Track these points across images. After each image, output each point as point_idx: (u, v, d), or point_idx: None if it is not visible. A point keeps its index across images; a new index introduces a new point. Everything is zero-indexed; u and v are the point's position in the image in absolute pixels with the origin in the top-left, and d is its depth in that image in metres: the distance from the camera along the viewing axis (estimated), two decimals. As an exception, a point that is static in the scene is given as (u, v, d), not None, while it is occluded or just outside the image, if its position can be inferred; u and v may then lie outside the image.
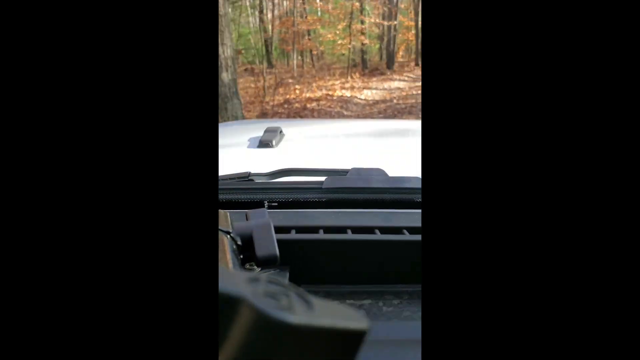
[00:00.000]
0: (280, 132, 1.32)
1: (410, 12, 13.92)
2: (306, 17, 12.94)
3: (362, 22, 12.82)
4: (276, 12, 12.22)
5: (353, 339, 0.22)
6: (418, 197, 0.76)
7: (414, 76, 11.50)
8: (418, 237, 0.61)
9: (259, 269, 0.53)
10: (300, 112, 8.19)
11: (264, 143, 1.20)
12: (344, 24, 12.34)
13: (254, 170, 0.88)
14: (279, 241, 0.53)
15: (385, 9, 13.11)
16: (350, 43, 11.89)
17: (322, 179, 0.79)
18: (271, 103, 8.63)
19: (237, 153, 1.23)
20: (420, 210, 0.73)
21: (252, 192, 0.76)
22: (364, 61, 12.99)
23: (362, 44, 12.49)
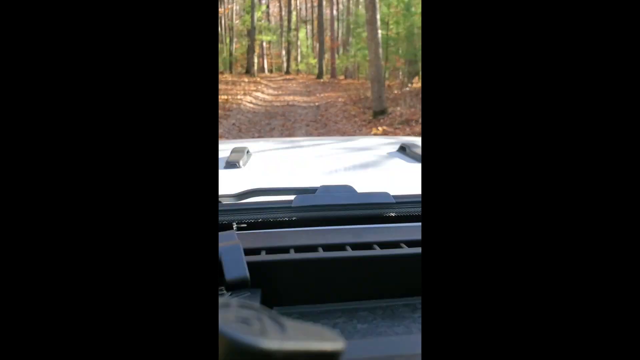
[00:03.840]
0: (247, 152, 1.29)
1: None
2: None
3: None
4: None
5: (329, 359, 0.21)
6: (387, 212, 0.76)
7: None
8: (389, 252, 0.61)
9: (230, 294, 0.51)
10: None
11: (230, 164, 1.17)
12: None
13: (221, 191, 0.86)
14: (249, 263, 0.51)
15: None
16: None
17: (291, 197, 0.78)
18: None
19: None
20: (390, 225, 0.73)
21: (220, 214, 0.74)
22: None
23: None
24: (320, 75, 20.87)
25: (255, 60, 20.11)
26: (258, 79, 18.47)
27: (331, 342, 0.22)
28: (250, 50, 20.74)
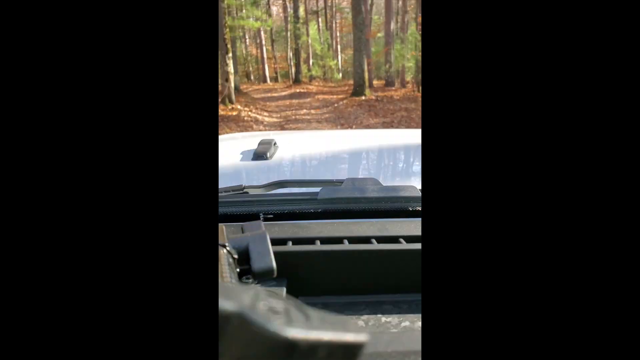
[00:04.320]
0: (275, 144, 1.55)
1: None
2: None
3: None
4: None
5: (351, 351, 0.26)
6: (413, 206, 0.93)
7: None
8: (415, 246, 0.75)
9: (256, 282, 0.64)
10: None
11: (258, 155, 1.41)
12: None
13: (248, 182, 1.04)
14: (276, 253, 0.65)
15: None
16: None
17: (317, 189, 0.97)
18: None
19: (232, 166, 1.43)
20: (416, 219, 0.89)
21: (247, 205, 0.92)
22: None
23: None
24: (360, 89, 13.71)
25: (231, 69, 11.60)
26: (237, 106, 11.73)
27: (355, 334, 0.26)
28: (220, 46, 11.56)
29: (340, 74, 27.18)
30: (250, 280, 0.62)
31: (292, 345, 0.23)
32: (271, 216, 0.90)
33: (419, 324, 0.67)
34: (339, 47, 29.74)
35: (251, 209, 0.90)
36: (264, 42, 26.51)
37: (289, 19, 25.83)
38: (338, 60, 28.63)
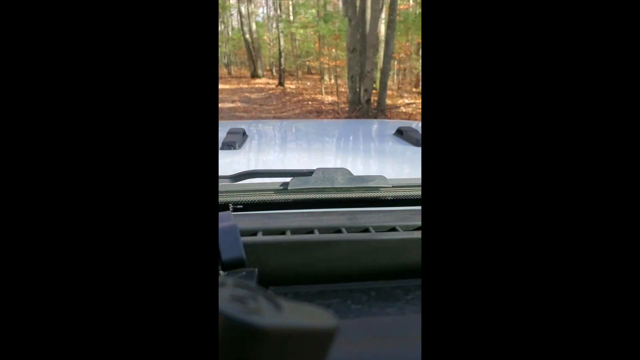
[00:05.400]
0: (244, 133, 1.63)
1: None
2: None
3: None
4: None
5: (323, 339, 0.28)
6: (382, 195, 1.04)
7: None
8: (384, 235, 0.84)
9: (226, 273, 0.70)
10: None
11: (227, 145, 1.48)
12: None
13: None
14: (246, 244, 0.70)
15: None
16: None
17: (288, 180, 1.05)
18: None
19: None
20: (385, 208, 1.01)
21: None
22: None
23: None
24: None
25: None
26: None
27: (325, 322, 0.28)
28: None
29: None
30: (220, 272, 0.65)
31: (263, 335, 0.24)
32: (241, 207, 0.98)
33: (387, 310, 0.74)
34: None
35: (220, 200, 0.98)
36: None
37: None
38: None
